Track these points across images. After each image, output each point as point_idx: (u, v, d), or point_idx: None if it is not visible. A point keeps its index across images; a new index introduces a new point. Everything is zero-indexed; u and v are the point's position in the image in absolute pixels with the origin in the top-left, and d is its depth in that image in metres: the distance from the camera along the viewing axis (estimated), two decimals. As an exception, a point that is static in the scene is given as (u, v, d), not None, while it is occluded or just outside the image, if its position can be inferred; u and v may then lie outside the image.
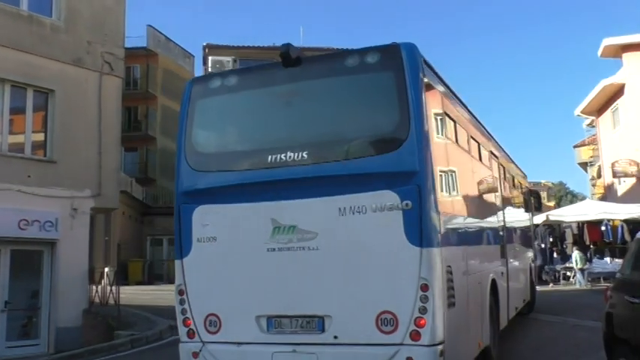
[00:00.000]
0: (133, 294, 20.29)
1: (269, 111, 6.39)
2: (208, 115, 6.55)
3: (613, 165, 29.75)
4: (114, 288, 14.49)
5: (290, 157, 5.76)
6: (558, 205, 67.38)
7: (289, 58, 6.00)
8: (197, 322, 6.01)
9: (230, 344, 5.86)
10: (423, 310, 5.23)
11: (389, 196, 5.39)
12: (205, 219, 6.03)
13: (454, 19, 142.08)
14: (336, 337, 5.50)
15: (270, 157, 5.82)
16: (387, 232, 5.41)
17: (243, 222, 5.92)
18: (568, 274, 22.08)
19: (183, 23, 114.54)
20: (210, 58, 27.01)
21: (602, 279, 20.55)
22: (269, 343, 5.72)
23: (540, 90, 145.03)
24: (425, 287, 5.24)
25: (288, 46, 6.02)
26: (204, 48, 27.85)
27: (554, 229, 23.79)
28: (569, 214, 23.20)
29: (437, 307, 5.28)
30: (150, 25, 40.52)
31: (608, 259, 21.51)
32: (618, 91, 30.64)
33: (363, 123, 5.96)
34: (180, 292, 6.14)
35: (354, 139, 5.85)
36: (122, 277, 22.87)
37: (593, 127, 36.62)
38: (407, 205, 5.34)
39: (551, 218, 22.91)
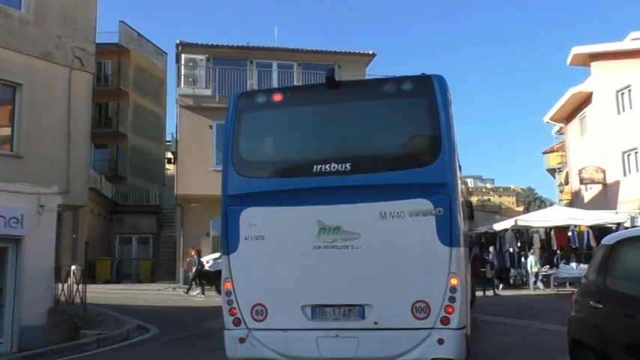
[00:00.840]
0: (100, 293, 20.02)
1: (313, 126, 7.33)
2: (255, 127, 7.31)
3: (580, 172, 30.31)
4: (80, 286, 14.27)
5: (334, 167, 6.67)
6: (527, 211, 68.41)
7: (334, 81, 7.00)
8: (243, 312, 6.70)
9: (276, 330, 6.61)
10: (452, 300, 6.27)
11: (424, 204, 6.41)
12: (253, 220, 6.75)
13: (426, 28, 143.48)
14: (376, 323, 6.42)
15: (315, 166, 6.73)
16: (422, 233, 6.41)
17: (291, 223, 6.72)
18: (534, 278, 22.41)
19: (156, 20, 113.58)
20: (183, 55, 26.71)
21: (568, 284, 20.89)
22: (313, 329, 6.52)
23: (511, 97, 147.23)
24: (453, 279, 6.30)
25: (332, 71, 7.09)
26: (177, 46, 27.51)
27: (523, 234, 24.11)
28: (537, 220, 23.54)
29: (462, 297, 6.33)
30: (122, 21, 40.02)
31: (574, 265, 21.88)
32: (586, 100, 31.23)
33: (399, 140, 7.03)
34: (227, 285, 6.80)
35: (392, 154, 6.91)
36: (90, 276, 22.50)
37: (562, 134, 37.25)
38: (439, 211, 6.38)
39: (520, 223, 23.21)
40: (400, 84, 6.93)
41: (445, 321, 6.26)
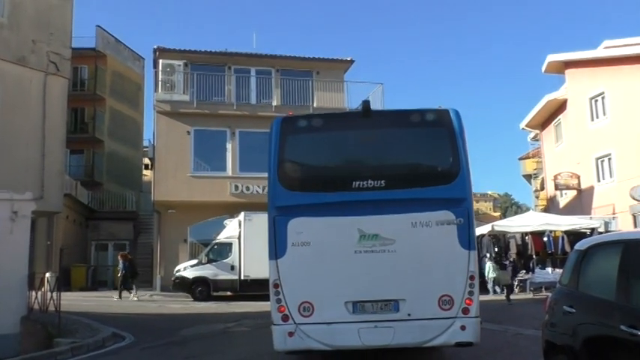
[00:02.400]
0: (75, 300, 19.74)
1: (351, 148, 8.53)
2: (298, 148, 8.31)
3: (555, 177, 30.69)
4: (55, 294, 14.05)
5: (371, 183, 7.79)
6: (504, 216, 69.05)
7: (369, 111, 8.28)
8: (291, 309, 7.59)
9: (321, 324, 7.57)
10: (471, 293, 7.57)
11: (447, 215, 7.68)
12: (299, 228, 7.70)
13: (397, 32, 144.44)
14: (409, 315, 7.56)
15: (354, 182, 7.83)
16: (446, 239, 7.66)
17: (334, 231, 7.74)
18: (513, 283, 22.59)
19: (134, 25, 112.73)
20: (160, 61, 26.55)
21: (544, 288, 21.10)
22: (355, 322, 7.53)
23: (488, 103, 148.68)
24: (472, 277, 7.61)
25: (368, 103, 8.43)
26: (154, 51, 27.35)
27: (499, 239, 24.32)
28: (514, 225, 23.77)
29: (477, 292, 7.67)
30: (99, 26, 39.66)
31: (549, 269, 22.11)
32: (561, 107, 31.69)
33: (425, 161, 8.46)
34: (276, 286, 7.67)
35: (419, 173, 8.28)
36: (64, 283, 22.20)
37: (538, 140, 37.70)
38: (460, 221, 7.68)
39: (497, 229, 23.42)
40: (424, 115, 8.23)
41: (465, 311, 7.54)
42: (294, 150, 8.27)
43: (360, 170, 8.15)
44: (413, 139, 8.43)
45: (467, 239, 7.67)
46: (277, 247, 7.74)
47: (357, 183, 7.84)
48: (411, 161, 8.47)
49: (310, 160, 8.57)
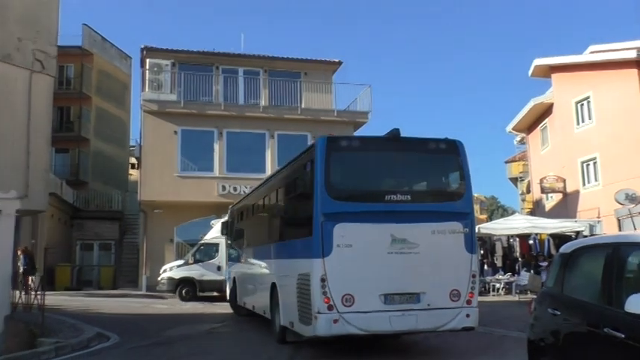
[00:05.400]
0: (60, 300, 19.60)
1: (384, 166, 10.02)
2: (340, 164, 9.54)
3: (541, 181, 30.90)
4: (39, 293, 13.93)
5: (400, 197, 9.38)
6: (490, 219, 69.34)
7: (398, 137, 9.74)
8: (335, 300, 8.82)
9: (359, 313, 8.89)
10: (473, 289, 9.40)
11: (457, 225, 9.48)
12: (342, 232, 8.99)
13: (385, 33, 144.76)
14: (428, 305, 9.17)
15: (387, 196, 9.39)
16: (455, 245, 9.44)
17: (371, 235, 9.12)
18: (497, 285, 22.71)
19: (121, 24, 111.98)
20: (148, 60, 26.41)
21: (529, 291, 21.20)
22: (386, 311, 9.00)
23: (474, 106, 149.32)
24: (474, 276, 9.46)
25: (398, 131, 9.73)
26: (142, 50, 27.20)
27: (486, 241, 24.41)
28: (500, 228, 23.87)
29: (477, 287, 9.58)
30: (86, 24, 39.42)
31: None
32: (547, 110, 31.91)
33: (441, 181, 10.51)
34: (322, 280, 8.85)
35: (437, 190, 10.30)
36: (49, 283, 22.02)
37: (524, 143, 37.94)
38: (466, 230, 9.50)
39: (483, 231, 23.52)
40: (438, 144, 9.96)
41: (469, 302, 9.35)
42: (337, 165, 9.47)
43: (392, 185, 9.86)
44: (431, 162, 10.23)
45: (470, 245, 9.52)
46: (324, 247, 8.96)
47: (389, 196, 9.36)
48: (430, 180, 10.38)
49: (351, 174, 9.95)
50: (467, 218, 9.60)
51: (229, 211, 18.89)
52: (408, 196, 9.48)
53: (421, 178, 10.33)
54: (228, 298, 17.32)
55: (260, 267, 13.17)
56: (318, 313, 8.83)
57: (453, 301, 9.26)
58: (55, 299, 18.34)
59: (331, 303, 8.82)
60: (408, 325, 9.20)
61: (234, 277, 16.46)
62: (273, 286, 11.38)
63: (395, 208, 9.29)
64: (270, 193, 12.88)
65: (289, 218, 11.27)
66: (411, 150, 10.05)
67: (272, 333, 11.48)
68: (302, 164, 10.17)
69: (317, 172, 9.23)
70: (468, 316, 9.32)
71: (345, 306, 8.85)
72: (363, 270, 9.02)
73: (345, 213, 9.12)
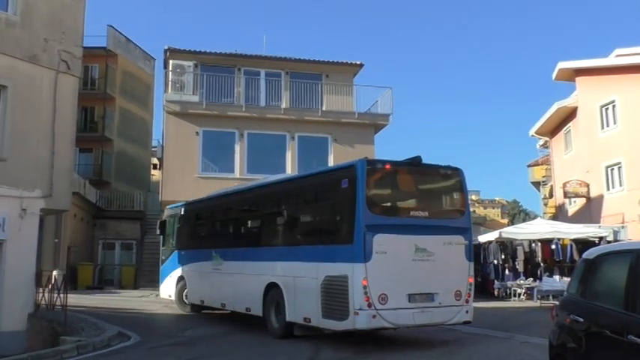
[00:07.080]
0: (82, 299, 19.81)
1: (409, 186, 11.90)
2: (377, 183, 11.17)
3: (564, 185, 30.52)
4: (61, 292, 14.08)
5: (421, 214, 11.29)
6: (512, 223, 68.75)
7: (420, 163, 11.37)
8: (373, 298, 10.30)
9: (391, 310, 10.46)
10: (470, 289, 11.38)
11: (460, 238, 11.44)
12: (380, 241, 10.52)
13: (413, 39, 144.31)
14: (440, 303, 10.99)
15: (411, 212, 11.40)
16: (459, 254, 11.39)
17: (401, 244, 10.75)
18: (519, 290, 22.51)
19: (145, 26, 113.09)
20: (171, 61, 26.59)
21: (551, 297, 20.99)
22: (411, 308, 10.70)
23: (497, 109, 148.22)
24: (470, 279, 11.48)
25: (420, 158, 11.37)
26: (165, 51, 27.40)
27: (507, 246, 24.20)
28: (521, 232, 23.64)
29: (473, 288, 11.57)
30: (110, 26, 39.84)
31: (557, 277, 21.98)
32: (571, 114, 31.52)
33: (449, 201, 12.41)
34: (364, 281, 10.25)
35: (447, 209, 12.28)
36: (71, 281, 22.26)
37: (547, 147, 37.53)
38: (466, 242, 11.50)
39: (504, 235, 23.33)
40: (446, 170, 11.94)
41: (467, 301, 11.29)
42: (375, 184, 11.06)
43: (415, 203, 11.81)
44: (443, 184, 12.18)
45: (469, 254, 11.54)
46: (365, 254, 10.37)
47: (413, 212, 11.33)
48: (442, 199, 12.47)
49: (384, 192, 11.77)
50: (467, 232, 11.64)
51: (172, 211, 19.59)
52: (427, 213, 11.29)
53: (436, 197, 12.30)
54: (161, 295, 19.99)
55: (245, 268, 14.02)
56: (360, 309, 10.25)
57: (456, 299, 11.17)
58: (77, 298, 18.53)
59: (370, 301, 10.26)
60: (426, 320, 10.94)
61: (180, 276, 17.94)
62: (271, 285, 12.55)
63: (418, 222, 11.11)
64: (278, 199, 13.80)
65: (313, 225, 12.49)
66: (429, 174, 11.98)
67: (268, 330, 12.63)
68: (336, 179, 11.44)
69: (358, 189, 10.66)
70: (467, 312, 11.29)
71: (380, 304, 10.36)
72: (394, 273, 10.61)
73: (381, 225, 10.63)
